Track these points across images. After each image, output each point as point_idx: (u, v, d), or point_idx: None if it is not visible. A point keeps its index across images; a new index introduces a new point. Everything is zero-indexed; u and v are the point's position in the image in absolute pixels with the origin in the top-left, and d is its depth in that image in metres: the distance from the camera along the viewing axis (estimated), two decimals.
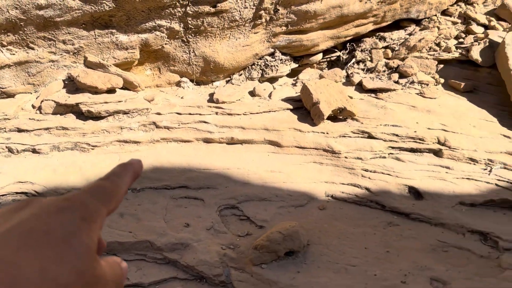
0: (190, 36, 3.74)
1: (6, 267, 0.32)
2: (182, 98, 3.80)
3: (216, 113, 3.61)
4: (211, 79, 4.03)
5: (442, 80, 4.12)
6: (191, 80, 4.00)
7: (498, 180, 3.12)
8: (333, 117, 3.64)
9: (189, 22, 3.63)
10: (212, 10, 3.58)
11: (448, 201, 2.98)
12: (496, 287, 2.24)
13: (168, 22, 3.60)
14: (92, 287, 0.37)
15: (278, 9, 3.77)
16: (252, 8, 3.68)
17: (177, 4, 3.51)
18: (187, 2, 3.52)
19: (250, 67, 4.12)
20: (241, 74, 4.13)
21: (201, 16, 3.60)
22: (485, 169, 3.21)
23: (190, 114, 3.57)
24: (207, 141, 3.46)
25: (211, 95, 3.82)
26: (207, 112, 3.60)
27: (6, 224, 0.37)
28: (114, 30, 3.61)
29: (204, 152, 3.40)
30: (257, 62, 4.11)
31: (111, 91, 3.61)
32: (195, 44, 3.79)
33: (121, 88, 3.69)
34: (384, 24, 4.32)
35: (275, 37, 3.98)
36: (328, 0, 3.78)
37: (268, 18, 3.82)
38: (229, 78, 4.12)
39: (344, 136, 3.49)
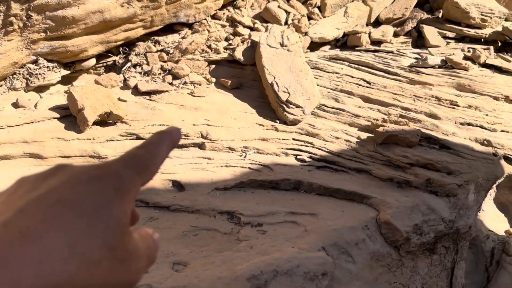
0: None
1: (33, 240, 0.29)
2: None
3: None
4: None
5: (213, 80, 4.48)
6: None
7: (251, 163, 3.54)
8: (103, 122, 3.64)
9: None
10: None
11: (205, 188, 3.26)
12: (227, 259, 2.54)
13: None
14: (123, 263, 0.34)
15: (31, 15, 3.58)
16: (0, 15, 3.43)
17: None
18: None
19: (11, 77, 3.84)
20: (1, 85, 3.82)
21: None
22: (241, 155, 3.60)
23: None
24: None
25: None
26: None
27: (34, 192, 0.34)
28: None
29: None
30: (19, 71, 3.84)
31: None
32: None
33: None
34: (155, 28, 4.49)
35: (34, 44, 3.78)
36: (85, 5, 3.75)
37: (21, 25, 3.60)
38: None
39: (112, 140, 3.52)
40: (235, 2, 5.18)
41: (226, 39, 4.86)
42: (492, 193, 3.83)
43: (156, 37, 4.60)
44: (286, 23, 5.22)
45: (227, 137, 3.69)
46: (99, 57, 4.36)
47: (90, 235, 0.32)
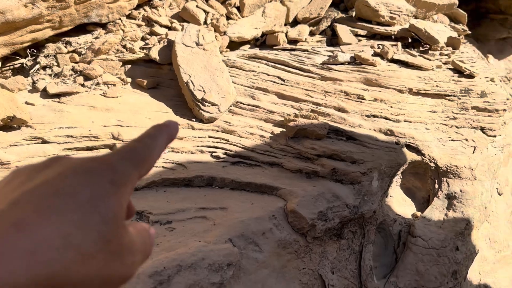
0: None
1: (27, 231, 0.28)
2: None
3: None
4: None
5: (129, 80, 4.41)
6: None
7: (165, 163, 3.53)
8: (6, 127, 3.48)
9: None
10: None
11: None
12: None
13: None
14: (118, 256, 0.33)
15: None
16: None
17: None
18: None
19: None
20: None
21: None
22: None
23: None
24: None
25: None
26: None
27: (30, 183, 0.33)
28: None
29: None
30: None
31: None
32: None
33: None
34: (65, 29, 4.34)
35: None
36: None
37: None
38: None
39: (16, 145, 3.37)
40: (151, 2, 5.13)
41: (143, 39, 4.81)
42: (398, 179, 4.10)
43: (67, 38, 4.45)
44: (205, 22, 5.25)
45: None
46: (5, 60, 4.15)
47: (85, 227, 0.31)
